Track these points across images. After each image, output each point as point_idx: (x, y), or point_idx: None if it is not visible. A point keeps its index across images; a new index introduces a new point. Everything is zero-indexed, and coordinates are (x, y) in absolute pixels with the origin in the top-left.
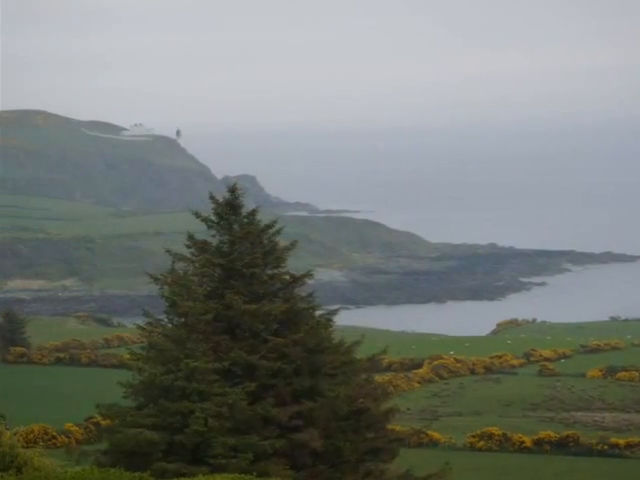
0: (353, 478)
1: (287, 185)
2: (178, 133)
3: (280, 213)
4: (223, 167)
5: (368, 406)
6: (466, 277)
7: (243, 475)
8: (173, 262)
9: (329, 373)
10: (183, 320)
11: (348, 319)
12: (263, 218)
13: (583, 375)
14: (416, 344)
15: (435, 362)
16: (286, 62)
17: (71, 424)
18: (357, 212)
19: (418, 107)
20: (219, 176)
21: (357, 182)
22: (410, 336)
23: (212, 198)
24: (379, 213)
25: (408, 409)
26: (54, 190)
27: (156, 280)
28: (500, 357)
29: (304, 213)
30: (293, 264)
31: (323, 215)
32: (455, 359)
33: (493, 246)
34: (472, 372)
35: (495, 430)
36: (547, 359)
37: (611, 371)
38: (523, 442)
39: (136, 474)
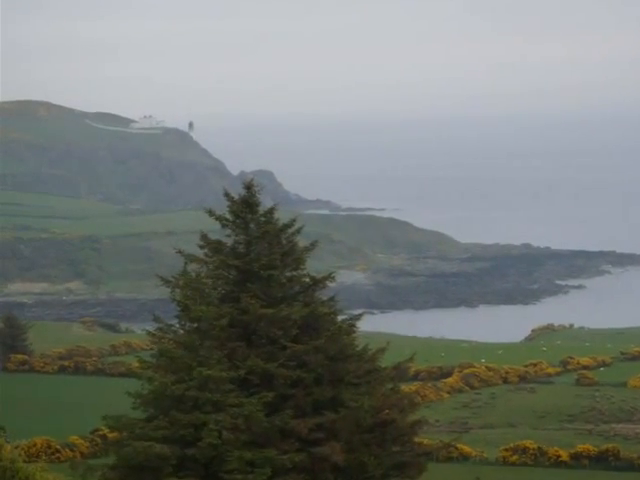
0: None
1: (307, 181)
2: (191, 126)
3: (300, 211)
4: (239, 162)
5: (394, 418)
6: (498, 280)
7: None
8: (185, 263)
9: (352, 382)
10: (196, 326)
11: (372, 324)
12: (281, 216)
13: (624, 384)
14: (445, 351)
15: (465, 371)
16: (306, 50)
17: (76, 437)
18: (382, 210)
19: (446, 97)
20: (234, 172)
21: (382, 178)
22: (439, 343)
23: (227, 195)
24: (405, 211)
25: (437, 421)
26: (58, 187)
27: (167, 283)
28: (535, 365)
29: (325, 211)
30: (313, 266)
31: (345, 213)
32: (487, 367)
33: (527, 246)
34: (505, 381)
35: (529, 443)
36: (585, 367)
37: None
38: (559, 456)
39: None
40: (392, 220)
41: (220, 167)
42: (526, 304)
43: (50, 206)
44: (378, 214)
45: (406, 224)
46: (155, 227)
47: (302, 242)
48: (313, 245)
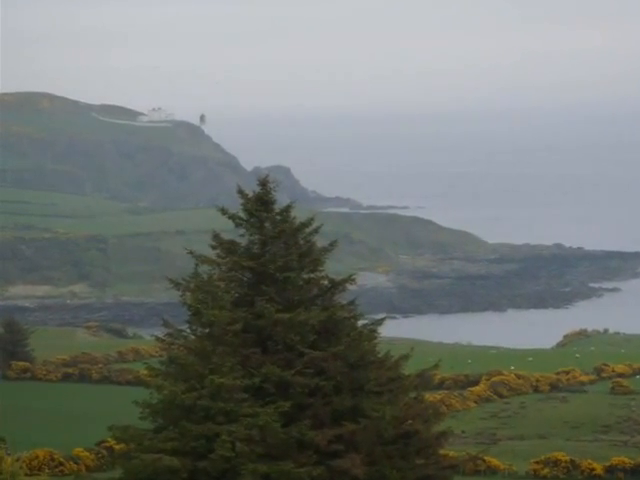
0: None
1: (326, 178)
2: (202, 118)
3: (318, 209)
4: (253, 157)
5: (417, 428)
6: (529, 282)
7: None
8: (196, 265)
9: (373, 391)
10: (208, 331)
11: (395, 329)
12: (298, 215)
13: None
14: (472, 358)
15: (494, 379)
16: (324, 38)
17: (80, 449)
18: (405, 208)
19: (473, 89)
20: (249, 167)
21: (405, 174)
22: (465, 349)
23: (241, 192)
24: (430, 209)
25: (463, 432)
26: (61, 183)
27: (177, 285)
28: (567, 373)
29: (345, 209)
30: (332, 267)
31: (366, 212)
32: (516, 375)
33: (559, 247)
34: (535, 390)
35: (562, 456)
36: (621, 375)
37: None
38: (593, 469)
39: None
40: (416, 219)
41: (233, 162)
42: (558, 308)
43: (53, 204)
44: (401, 212)
45: (430, 223)
46: (165, 226)
47: (320, 242)
48: (332, 245)
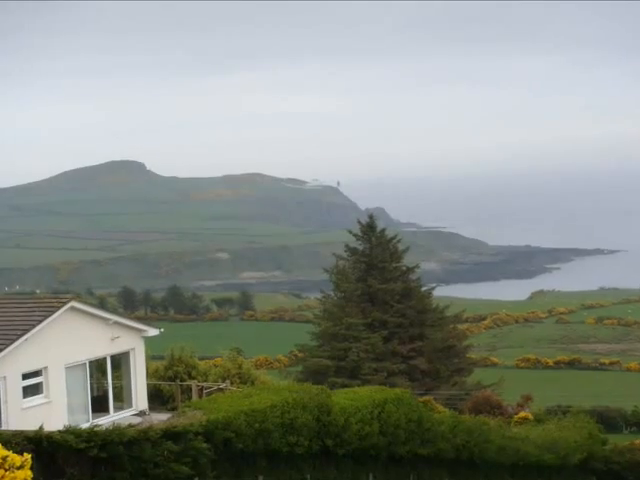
0: (446, 387)
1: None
2: (338, 183)
3: (399, 229)
4: (365, 201)
5: (454, 343)
6: (512, 265)
7: (382, 386)
8: (337, 260)
9: (431, 324)
10: (343, 295)
11: (441, 292)
12: (389, 233)
13: None
14: (482, 305)
15: (494, 316)
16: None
17: (281, 355)
18: (445, 228)
19: None
20: (363, 208)
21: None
22: (479, 301)
23: (359, 222)
24: (458, 226)
25: (478, 344)
26: (266, 219)
27: (327, 271)
28: (533, 312)
29: (413, 229)
30: (406, 260)
31: (425, 230)
32: (506, 314)
33: (528, 246)
34: (516, 321)
35: (531, 356)
36: (562, 313)
37: None
38: (547, 363)
39: (319, 386)
40: (450, 232)
41: (354, 206)
42: (528, 278)
43: (264, 231)
44: (442, 230)
45: (457, 235)
46: (320, 240)
47: (401, 246)
48: (407, 249)
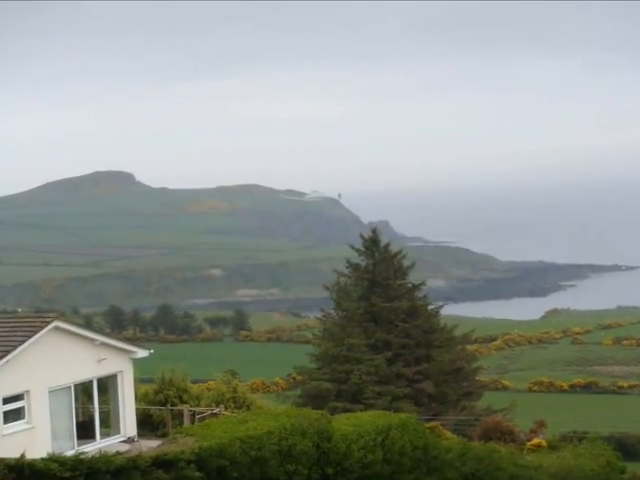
0: (454, 412)
1: (410, 225)
2: (339, 195)
3: (404, 244)
4: (368, 214)
5: (463, 365)
6: (524, 282)
7: (385, 411)
8: (338, 277)
9: (438, 345)
10: (345, 314)
11: (449, 311)
12: (393, 248)
13: None
14: (492, 325)
15: (505, 336)
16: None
17: (278, 378)
18: (453, 242)
19: None
20: (365, 221)
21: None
22: (488, 320)
23: (361, 236)
24: (466, 242)
25: (488, 366)
26: (263, 233)
27: (327, 289)
28: (547, 333)
29: (420, 243)
30: (412, 276)
31: (432, 245)
32: (518, 334)
33: (541, 262)
34: (529, 342)
35: (544, 379)
36: (577, 333)
37: None
38: (562, 386)
39: (319, 411)
40: (458, 248)
41: (357, 219)
42: (541, 296)
43: (260, 245)
44: (451, 245)
45: (466, 250)
46: (320, 256)
47: (406, 262)
48: (412, 265)
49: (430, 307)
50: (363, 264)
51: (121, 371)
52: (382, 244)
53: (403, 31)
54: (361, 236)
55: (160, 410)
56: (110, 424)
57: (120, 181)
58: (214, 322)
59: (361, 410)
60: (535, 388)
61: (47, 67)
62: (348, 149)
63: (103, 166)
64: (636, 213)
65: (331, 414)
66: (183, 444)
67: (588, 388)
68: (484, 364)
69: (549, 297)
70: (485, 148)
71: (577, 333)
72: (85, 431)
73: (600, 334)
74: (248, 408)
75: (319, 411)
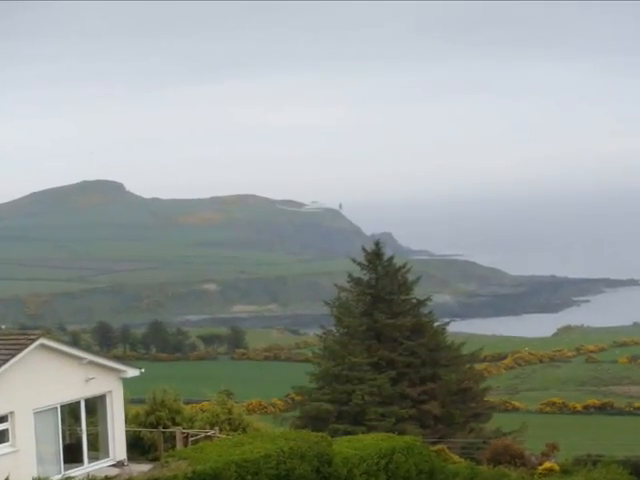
0: (462, 434)
1: (414, 237)
2: (340, 206)
3: (408, 257)
4: (371, 226)
5: (471, 385)
6: (535, 297)
7: (389, 433)
8: (339, 292)
9: (444, 364)
10: (346, 330)
11: (456, 328)
12: (397, 261)
13: None
14: (502, 343)
15: (515, 355)
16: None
17: (276, 399)
18: (460, 255)
19: None
20: (368, 233)
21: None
22: (498, 337)
23: (363, 249)
24: (473, 254)
25: (497, 387)
26: (260, 246)
27: (328, 304)
28: (559, 350)
29: (425, 257)
30: (418, 291)
31: (437, 258)
32: (529, 352)
33: (553, 276)
34: (540, 361)
35: (557, 399)
36: (591, 351)
37: None
38: (575, 407)
39: (319, 433)
40: (466, 261)
41: (358, 231)
42: (553, 312)
43: (257, 258)
44: (458, 258)
45: (474, 264)
46: (320, 270)
47: (410, 277)
48: (417, 279)
49: (436, 324)
50: (365, 278)
51: (110, 391)
52: (385, 257)
53: (408, 33)
54: (363, 249)
55: (151, 432)
56: (99, 447)
57: (109, 191)
58: (208, 339)
59: (363, 432)
60: (547, 409)
61: (32, 71)
62: (349, 157)
63: (91, 175)
64: None
65: (332, 436)
66: (176, 468)
67: (603, 409)
68: (493, 384)
69: (561, 313)
70: (492, 156)
71: (591, 351)
72: (72, 454)
73: (615, 352)
74: (244, 430)
75: (319, 433)
